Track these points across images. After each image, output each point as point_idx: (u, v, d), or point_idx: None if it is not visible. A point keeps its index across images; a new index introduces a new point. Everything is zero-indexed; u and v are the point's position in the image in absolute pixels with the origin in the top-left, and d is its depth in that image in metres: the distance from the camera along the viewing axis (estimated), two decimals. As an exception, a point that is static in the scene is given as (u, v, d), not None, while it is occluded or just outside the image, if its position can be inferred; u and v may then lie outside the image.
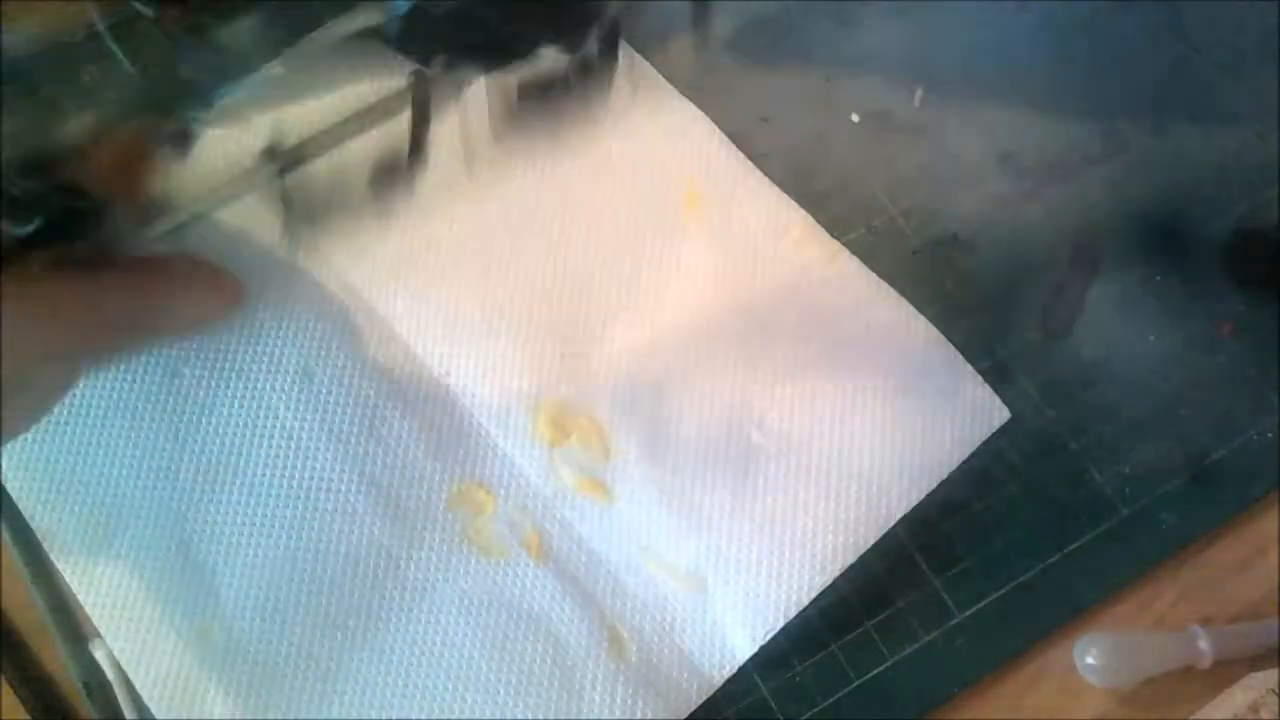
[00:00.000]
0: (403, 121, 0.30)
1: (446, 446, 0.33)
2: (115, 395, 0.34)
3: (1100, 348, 0.36)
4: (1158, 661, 0.31)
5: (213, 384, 0.34)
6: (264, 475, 0.33)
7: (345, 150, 0.30)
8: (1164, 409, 0.35)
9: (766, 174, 0.37)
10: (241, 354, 0.34)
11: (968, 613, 0.32)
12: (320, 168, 0.30)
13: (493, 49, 0.28)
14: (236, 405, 0.33)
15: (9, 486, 0.33)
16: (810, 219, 0.36)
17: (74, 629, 0.34)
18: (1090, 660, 0.31)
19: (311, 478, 0.33)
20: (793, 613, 0.32)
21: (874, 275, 0.36)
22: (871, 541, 0.33)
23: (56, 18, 0.31)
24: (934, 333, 0.35)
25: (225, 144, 0.32)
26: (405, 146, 0.30)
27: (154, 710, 0.33)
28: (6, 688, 0.33)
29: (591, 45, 0.30)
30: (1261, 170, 0.38)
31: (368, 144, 0.30)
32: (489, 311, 0.34)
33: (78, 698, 0.33)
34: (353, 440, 0.33)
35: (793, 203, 0.37)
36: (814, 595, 0.32)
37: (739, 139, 0.38)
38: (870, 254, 0.36)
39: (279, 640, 0.33)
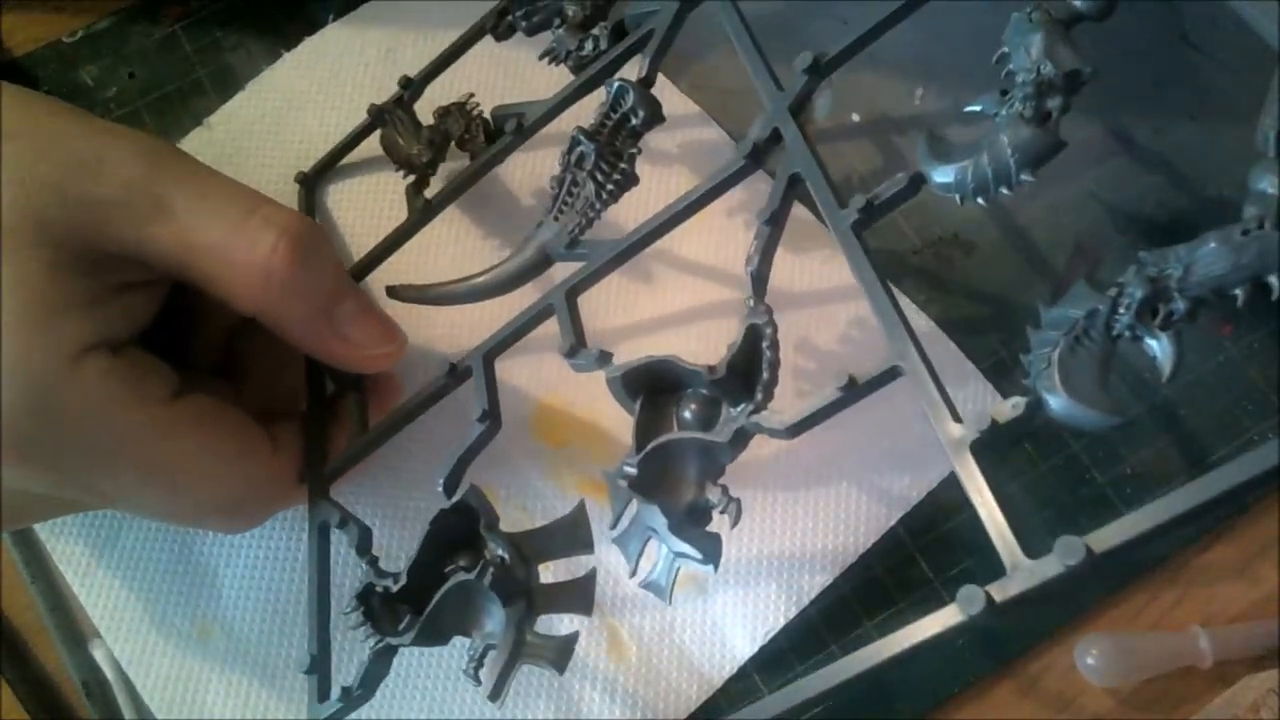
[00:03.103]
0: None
1: (446, 447, 0.33)
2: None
3: (1100, 348, 0.35)
4: (1158, 662, 0.31)
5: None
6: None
7: None
8: (1164, 409, 0.35)
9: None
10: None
11: (968, 613, 0.32)
12: None
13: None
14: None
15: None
16: (811, 216, 0.36)
17: (74, 629, 0.34)
18: (1091, 660, 0.31)
19: (311, 478, 0.33)
20: (793, 613, 0.32)
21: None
22: (871, 541, 0.33)
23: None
24: (935, 331, 0.35)
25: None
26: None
27: (153, 710, 0.33)
28: (6, 687, 0.33)
29: None
30: (1262, 170, 0.38)
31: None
32: (488, 311, 0.34)
33: (77, 698, 0.33)
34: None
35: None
36: (814, 595, 0.32)
37: (739, 138, 0.38)
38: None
39: (279, 641, 0.33)
